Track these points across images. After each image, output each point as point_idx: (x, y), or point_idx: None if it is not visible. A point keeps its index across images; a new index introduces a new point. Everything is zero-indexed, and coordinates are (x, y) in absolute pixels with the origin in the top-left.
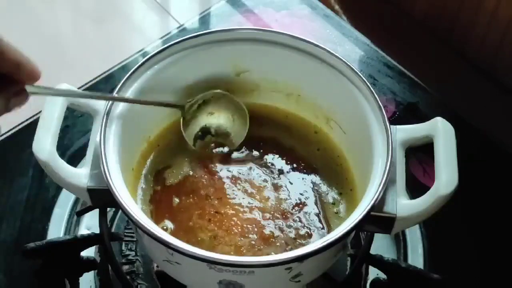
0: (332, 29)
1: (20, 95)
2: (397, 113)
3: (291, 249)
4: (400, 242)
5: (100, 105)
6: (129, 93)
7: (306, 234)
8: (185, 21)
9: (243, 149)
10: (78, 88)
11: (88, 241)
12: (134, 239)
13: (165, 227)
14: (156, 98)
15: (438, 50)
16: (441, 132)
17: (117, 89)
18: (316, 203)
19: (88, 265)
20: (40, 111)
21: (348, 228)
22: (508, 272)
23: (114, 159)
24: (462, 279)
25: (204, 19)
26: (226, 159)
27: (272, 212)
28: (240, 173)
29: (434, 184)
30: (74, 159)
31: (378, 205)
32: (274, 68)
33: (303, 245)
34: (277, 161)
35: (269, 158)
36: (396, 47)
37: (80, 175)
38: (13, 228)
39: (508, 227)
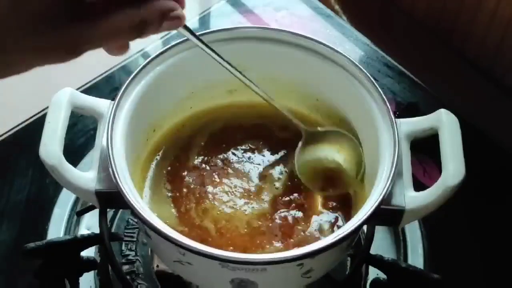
0: (332, 29)
1: (175, 20)
2: (397, 113)
3: (300, 245)
4: (400, 242)
5: (104, 108)
6: (133, 96)
7: (315, 230)
8: (185, 21)
9: (248, 145)
10: (78, 88)
11: (88, 241)
12: (134, 239)
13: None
14: (160, 99)
15: (438, 50)
16: (445, 123)
17: (120, 93)
18: (322, 198)
19: (88, 265)
20: (40, 112)
21: (359, 222)
22: (509, 272)
23: (121, 161)
24: (462, 279)
25: (204, 19)
26: (235, 158)
27: (281, 207)
28: (247, 168)
29: (441, 175)
30: (75, 159)
31: (387, 198)
32: (276, 66)
33: (312, 240)
34: (281, 157)
35: (274, 153)
36: (396, 47)
37: (87, 178)
38: (13, 228)
39: (508, 227)
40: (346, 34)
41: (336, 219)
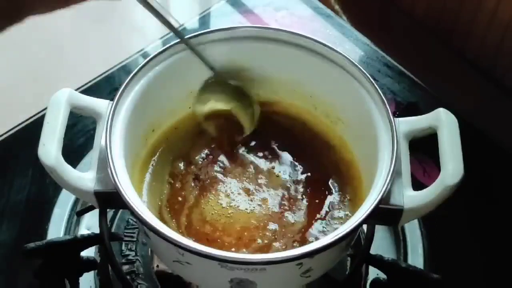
0: (332, 29)
1: None
2: (397, 113)
3: (298, 245)
4: (400, 242)
5: (103, 108)
6: (131, 96)
7: (313, 229)
8: (185, 21)
9: (248, 145)
10: (78, 89)
11: (88, 241)
12: (134, 239)
13: (171, 224)
14: (159, 99)
15: (438, 50)
16: (444, 123)
17: (118, 93)
18: (321, 198)
19: (88, 265)
20: (40, 112)
21: (358, 221)
22: (509, 272)
23: (120, 162)
24: (462, 279)
25: (204, 19)
26: (232, 156)
27: (278, 206)
28: (246, 169)
29: (440, 175)
30: (74, 160)
31: (385, 197)
32: (275, 65)
33: (310, 240)
34: (281, 157)
35: (274, 153)
36: (396, 47)
37: (86, 179)
38: (13, 228)
39: (508, 227)
40: (346, 34)
41: (335, 218)
